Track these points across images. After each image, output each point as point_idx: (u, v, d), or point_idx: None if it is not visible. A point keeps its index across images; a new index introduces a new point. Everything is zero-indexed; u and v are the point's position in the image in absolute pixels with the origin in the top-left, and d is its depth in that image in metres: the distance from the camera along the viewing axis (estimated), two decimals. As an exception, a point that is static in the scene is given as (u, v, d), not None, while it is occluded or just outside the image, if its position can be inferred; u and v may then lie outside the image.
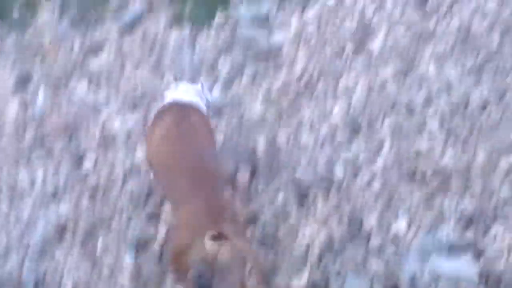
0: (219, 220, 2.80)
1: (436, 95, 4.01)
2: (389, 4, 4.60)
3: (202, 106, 3.46)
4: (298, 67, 4.25)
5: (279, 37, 4.48)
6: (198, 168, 3.04)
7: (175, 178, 3.05)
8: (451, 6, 4.52)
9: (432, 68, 4.17)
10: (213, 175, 3.05)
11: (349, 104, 4.04)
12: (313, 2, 4.68)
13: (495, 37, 4.29)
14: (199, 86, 3.60)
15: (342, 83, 4.16)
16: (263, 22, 4.60)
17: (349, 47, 4.36)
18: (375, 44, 4.37)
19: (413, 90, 4.07)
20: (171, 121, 3.25)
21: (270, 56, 4.37)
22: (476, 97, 3.95)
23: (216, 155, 3.33)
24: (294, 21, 4.55)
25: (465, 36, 4.33)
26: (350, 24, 4.51)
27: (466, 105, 3.92)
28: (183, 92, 3.49)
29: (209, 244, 2.76)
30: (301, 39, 4.43)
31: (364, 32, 4.45)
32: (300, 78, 4.20)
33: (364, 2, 4.63)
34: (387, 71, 4.19)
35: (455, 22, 4.42)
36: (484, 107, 3.90)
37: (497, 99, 3.92)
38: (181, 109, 3.33)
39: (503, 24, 4.34)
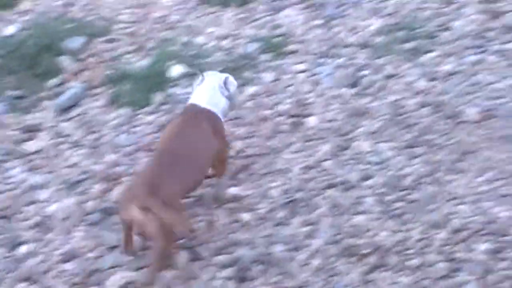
0: (151, 195, 3.35)
1: (371, 171, 4.10)
2: (324, 83, 4.73)
3: (222, 107, 3.87)
4: (236, 146, 4.30)
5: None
6: (171, 156, 3.59)
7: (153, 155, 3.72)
8: (384, 84, 4.67)
9: (367, 145, 4.27)
10: (177, 168, 3.54)
11: (287, 182, 4.09)
12: (251, 80, 4.79)
13: (427, 113, 4.44)
14: (223, 79, 3.91)
15: (280, 161, 4.22)
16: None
17: (286, 125, 4.45)
18: (312, 122, 4.46)
19: (349, 167, 4.15)
20: (181, 121, 3.81)
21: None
22: (410, 173, 4.05)
23: (201, 161, 3.71)
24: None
25: (398, 113, 4.46)
26: (287, 101, 4.61)
27: (400, 181, 4.01)
28: (206, 90, 3.87)
29: (135, 212, 3.36)
30: (239, 116, 4.49)
31: (300, 110, 4.54)
32: (237, 157, 4.24)
33: (300, 80, 4.76)
34: (324, 148, 4.27)
35: (388, 99, 4.56)
36: (418, 182, 3.99)
37: (429, 175, 4.02)
38: (195, 114, 3.82)
39: (434, 101, 4.50)
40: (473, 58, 4.79)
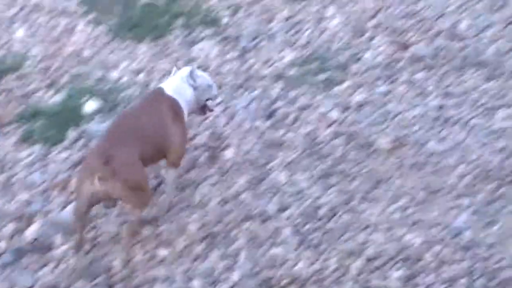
0: (107, 164, 3.61)
1: (288, 202, 4.14)
2: (239, 115, 4.77)
3: (187, 97, 4.13)
4: (153, 181, 4.27)
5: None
6: (124, 129, 3.87)
7: (98, 144, 3.90)
8: (298, 115, 4.74)
9: (283, 176, 4.31)
10: (125, 152, 3.72)
11: (205, 215, 4.08)
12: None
13: (340, 143, 4.53)
14: (187, 72, 4.18)
15: (197, 194, 4.21)
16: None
17: (203, 158, 4.45)
18: (228, 154, 4.48)
19: (266, 198, 4.18)
20: (142, 101, 4.17)
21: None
22: (325, 203, 4.11)
23: (155, 137, 3.94)
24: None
25: (312, 143, 4.54)
26: (204, 134, 4.62)
27: (316, 211, 4.06)
28: (172, 81, 4.18)
29: (97, 184, 3.62)
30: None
31: (217, 143, 4.56)
32: (155, 192, 4.21)
33: (216, 113, 4.78)
34: (241, 180, 4.29)
35: (302, 131, 4.64)
36: (333, 212, 4.06)
37: (344, 204, 4.10)
38: (157, 97, 4.10)
39: (346, 132, 4.59)
40: (383, 88, 4.93)
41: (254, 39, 5.44)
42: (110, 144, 3.77)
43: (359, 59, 5.22)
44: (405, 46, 5.30)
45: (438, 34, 5.39)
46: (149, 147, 3.88)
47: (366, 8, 5.69)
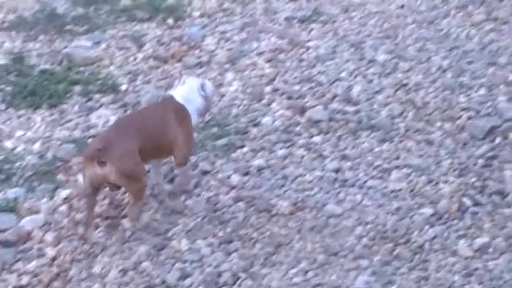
0: (106, 150, 3.98)
1: (189, 269, 4.09)
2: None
3: (196, 105, 4.49)
4: (50, 252, 4.14)
5: (28, 222, 4.37)
6: (127, 124, 4.32)
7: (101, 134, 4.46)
8: (199, 181, 4.74)
9: (184, 243, 4.27)
10: (123, 142, 4.08)
11: (105, 286, 3.98)
12: (64, 183, 4.68)
13: (241, 208, 4.55)
14: (200, 82, 4.57)
15: (97, 265, 4.11)
16: (11, 207, 4.48)
17: (102, 227, 4.36)
18: (128, 223, 4.41)
19: (168, 266, 4.12)
20: (151, 104, 4.90)
21: (20, 242, 4.23)
22: (227, 269, 4.08)
23: (157, 135, 4.31)
24: (44, 207, 4.48)
25: (213, 209, 4.53)
26: (103, 203, 4.54)
27: (218, 278, 4.03)
28: (184, 87, 4.53)
29: (96, 168, 4.00)
30: (52, 223, 4.35)
31: (117, 211, 4.49)
32: (52, 264, 4.09)
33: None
34: (141, 249, 4.22)
35: (203, 196, 4.63)
36: (235, 278, 4.04)
37: (246, 269, 4.09)
38: (166, 102, 4.51)
39: (247, 196, 4.62)
40: (282, 152, 5.02)
41: (153, 105, 5.45)
42: (112, 133, 4.23)
43: (258, 123, 5.31)
44: (302, 110, 5.43)
45: (333, 98, 5.56)
46: (150, 142, 4.23)
47: (263, 74, 5.83)
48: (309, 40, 6.33)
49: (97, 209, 4.43)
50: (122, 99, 5.46)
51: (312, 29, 6.52)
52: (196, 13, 6.68)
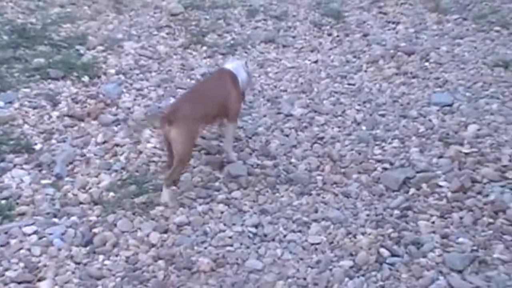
0: (173, 113, 4.95)
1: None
2: (56, 244, 4.59)
3: (242, 77, 5.56)
4: None
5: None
6: (194, 92, 5.37)
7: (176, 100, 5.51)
8: (117, 240, 4.65)
9: (103, 305, 4.17)
10: (189, 106, 5.05)
11: None
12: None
13: (162, 266, 4.47)
14: (243, 62, 5.79)
15: None
16: None
17: (15, 293, 4.22)
18: (44, 286, 4.27)
19: (86, 331, 4.00)
20: (212, 74, 5.98)
21: None
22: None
23: (222, 98, 5.37)
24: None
25: (133, 268, 4.44)
26: (17, 267, 4.38)
27: None
28: (232, 63, 5.69)
29: (166, 126, 4.95)
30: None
31: (31, 275, 4.34)
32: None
33: (31, 243, 4.58)
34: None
35: (122, 256, 4.54)
36: None
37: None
38: (222, 71, 5.60)
39: (168, 253, 4.56)
40: (201, 208, 4.99)
41: (69, 164, 5.35)
42: (181, 100, 5.23)
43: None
44: (220, 166, 5.44)
45: (251, 153, 5.60)
46: (214, 106, 5.27)
47: (181, 130, 5.82)
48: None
49: (9, 274, 4.30)
50: (37, 159, 5.33)
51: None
52: (112, 70, 6.65)
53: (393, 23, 8.03)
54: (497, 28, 7.87)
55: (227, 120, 5.50)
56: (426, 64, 7.09)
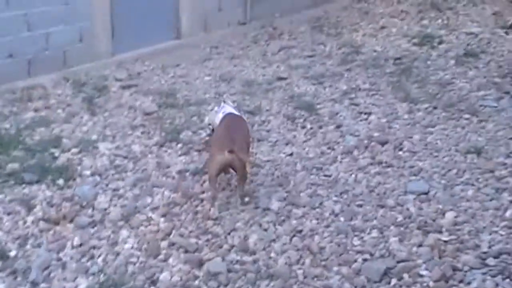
0: (233, 145, 5.86)
1: None
2: None
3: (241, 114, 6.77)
4: None
5: None
6: (230, 132, 6.14)
7: (220, 134, 6.27)
8: None
9: None
10: (236, 137, 6.03)
11: None
12: None
13: None
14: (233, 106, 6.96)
15: None
16: None
17: None
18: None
19: None
20: (228, 118, 6.49)
21: None
22: None
23: (244, 134, 6.35)
24: None
25: None
26: None
27: None
28: (231, 108, 6.76)
29: (227, 155, 5.83)
30: None
31: None
32: None
33: None
34: None
35: None
36: None
37: None
38: (236, 115, 6.63)
39: None
40: (181, 309, 4.90)
41: (45, 269, 5.24)
42: (231, 134, 6.06)
43: (155, 280, 5.19)
44: (199, 264, 5.37)
45: (230, 249, 5.55)
46: (246, 140, 6.28)
47: (159, 229, 5.77)
48: (202, 192, 6.36)
49: None
50: (11, 266, 5.22)
51: (204, 181, 6.58)
52: (87, 172, 6.62)
53: (365, 113, 8.16)
54: (467, 115, 8.03)
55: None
56: (400, 153, 7.17)
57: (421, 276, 5.17)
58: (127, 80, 8.84)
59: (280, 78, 9.13)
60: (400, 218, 5.94)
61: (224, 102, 7.12)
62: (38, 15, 8.36)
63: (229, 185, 6.42)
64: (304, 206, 6.18)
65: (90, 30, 8.97)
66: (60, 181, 6.42)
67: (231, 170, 6.18)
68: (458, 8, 11.98)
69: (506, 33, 10.81)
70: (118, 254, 5.46)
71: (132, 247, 5.55)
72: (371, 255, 5.44)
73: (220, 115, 6.62)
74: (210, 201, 6.09)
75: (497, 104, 8.31)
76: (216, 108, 6.96)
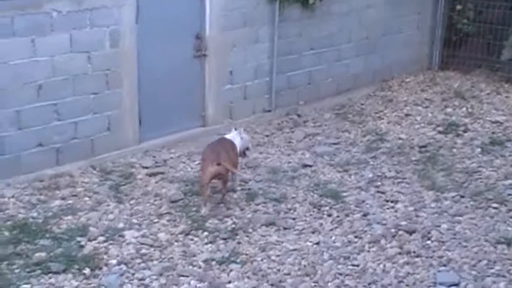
0: (219, 158, 7.54)
1: None
2: None
3: (236, 140, 8.21)
4: None
5: None
6: (220, 149, 7.77)
7: (209, 151, 7.82)
8: None
9: None
10: (224, 154, 7.66)
11: None
12: None
13: None
14: (236, 132, 8.33)
15: None
16: None
17: None
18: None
19: None
20: (218, 139, 8.26)
21: None
22: None
23: (233, 152, 7.95)
24: None
25: None
26: None
27: None
28: (230, 134, 8.29)
29: (216, 166, 7.49)
30: None
31: None
32: None
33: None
34: None
35: None
36: None
37: None
38: (225, 138, 8.18)
39: None
40: None
41: None
42: (217, 150, 7.72)
43: None
44: None
45: None
46: (229, 157, 7.77)
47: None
48: (229, 282, 6.31)
49: None
50: None
51: (231, 270, 6.53)
52: (113, 261, 6.60)
53: (392, 201, 8.11)
54: (495, 205, 7.96)
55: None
56: (428, 242, 7.08)
57: None
58: (153, 167, 8.90)
59: (305, 166, 9.15)
60: (429, 310, 5.82)
61: (235, 129, 8.47)
62: (67, 105, 8.52)
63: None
64: (332, 297, 6.08)
65: (117, 118, 9.10)
66: (87, 271, 6.39)
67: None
68: (482, 97, 12.03)
69: (531, 121, 10.82)
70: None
71: None
72: None
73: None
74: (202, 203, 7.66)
75: (525, 193, 8.25)
76: (227, 133, 8.52)
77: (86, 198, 7.94)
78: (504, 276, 6.30)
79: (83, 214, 7.53)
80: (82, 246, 6.85)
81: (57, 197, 7.90)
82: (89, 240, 6.98)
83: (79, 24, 8.46)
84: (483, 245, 6.99)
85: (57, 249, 6.75)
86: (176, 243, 7.04)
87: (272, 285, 6.31)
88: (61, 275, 6.31)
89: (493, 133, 10.44)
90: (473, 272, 6.43)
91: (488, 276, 6.33)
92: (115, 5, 8.74)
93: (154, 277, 6.39)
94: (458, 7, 13.22)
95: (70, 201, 7.84)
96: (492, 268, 6.49)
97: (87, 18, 8.51)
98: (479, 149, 9.76)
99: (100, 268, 6.47)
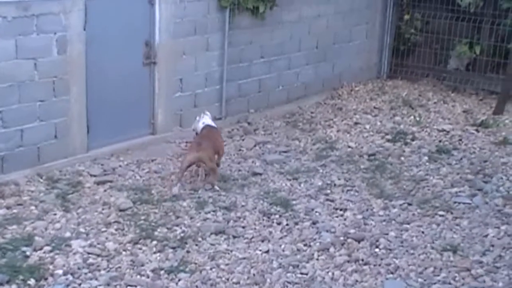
0: (201, 146, 8.44)
1: None
2: None
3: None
4: None
5: None
6: (205, 138, 8.66)
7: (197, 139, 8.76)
8: None
9: None
10: (209, 143, 8.59)
11: None
12: None
13: None
14: (208, 115, 9.26)
15: None
16: None
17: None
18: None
19: None
20: (207, 129, 8.92)
21: None
22: None
23: (218, 141, 9.01)
24: None
25: None
26: None
27: None
28: (208, 118, 9.16)
29: (198, 153, 8.38)
30: None
31: None
32: None
33: None
34: None
35: None
36: None
37: None
38: (212, 127, 9.04)
39: None
40: None
41: None
42: (200, 139, 8.59)
43: None
44: None
45: None
46: (214, 146, 8.69)
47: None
48: (177, 291, 6.25)
49: None
50: None
51: (180, 279, 6.48)
52: (60, 271, 6.47)
53: (341, 209, 8.17)
54: (441, 212, 8.09)
55: (219, 156, 8.99)
56: (377, 250, 7.15)
57: None
58: (101, 175, 8.79)
59: (256, 174, 9.15)
60: (379, 318, 5.86)
61: (204, 113, 9.22)
62: (13, 112, 8.36)
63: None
64: (280, 306, 6.08)
65: (65, 126, 8.97)
66: (32, 281, 6.26)
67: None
68: (429, 105, 12.25)
69: (477, 130, 11.03)
70: None
71: None
72: None
73: (201, 124, 9.00)
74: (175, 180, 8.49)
75: (471, 201, 8.40)
76: (197, 118, 9.17)
77: (32, 207, 7.79)
78: (449, 283, 6.40)
79: (28, 224, 7.38)
80: (27, 256, 6.71)
81: (2, 206, 7.73)
82: (35, 250, 6.84)
83: (25, 30, 8.31)
84: (430, 252, 7.08)
85: (1, 260, 6.59)
86: (124, 252, 6.96)
87: (221, 294, 6.29)
88: (4, 287, 6.16)
89: (440, 141, 10.62)
90: (420, 280, 6.50)
91: (434, 283, 6.41)
92: (62, 11, 8.62)
93: (101, 287, 6.29)
94: (406, 17, 13.49)
95: (15, 210, 7.68)
96: (438, 276, 6.58)
97: (34, 24, 8.37)
98: (426, 157, 9.92)
99: (46, 279, 6.35)
